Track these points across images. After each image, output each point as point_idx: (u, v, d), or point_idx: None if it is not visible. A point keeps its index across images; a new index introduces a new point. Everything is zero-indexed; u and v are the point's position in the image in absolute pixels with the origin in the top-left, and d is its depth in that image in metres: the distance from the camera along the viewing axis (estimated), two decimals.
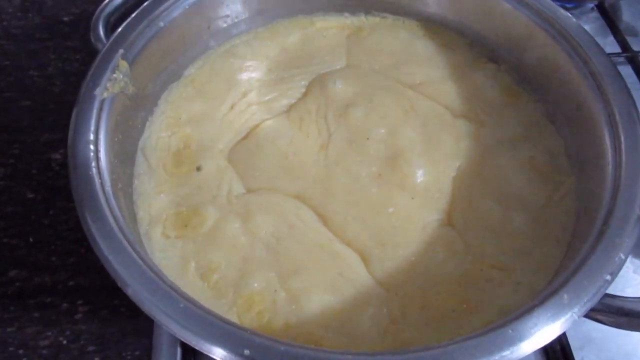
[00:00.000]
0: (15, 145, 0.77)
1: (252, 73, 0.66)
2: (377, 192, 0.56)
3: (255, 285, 0.51)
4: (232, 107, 0.63)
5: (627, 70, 0.81)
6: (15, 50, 0.88)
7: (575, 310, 0.40)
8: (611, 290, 0.64)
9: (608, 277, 0.41)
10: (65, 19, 0.92)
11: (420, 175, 0.58)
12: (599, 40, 0.86)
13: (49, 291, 0.65)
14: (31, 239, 0.69)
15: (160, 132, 0.60)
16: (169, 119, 0.62)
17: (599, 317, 0.43)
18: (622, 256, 0.42)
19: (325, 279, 0.52)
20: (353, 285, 0.52)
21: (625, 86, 0.52)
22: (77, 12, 0.93)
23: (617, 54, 0.82)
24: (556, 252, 0.51)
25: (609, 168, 0.48)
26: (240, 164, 0.59)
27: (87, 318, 0.64)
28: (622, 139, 0.48)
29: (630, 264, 0.66)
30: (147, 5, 0.57)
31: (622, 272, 0.64)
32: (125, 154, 0.55)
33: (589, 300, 0.40)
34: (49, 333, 0.63)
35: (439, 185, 0.57)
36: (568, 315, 0.40)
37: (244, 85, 0.65)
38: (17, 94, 0.82)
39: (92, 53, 0.57)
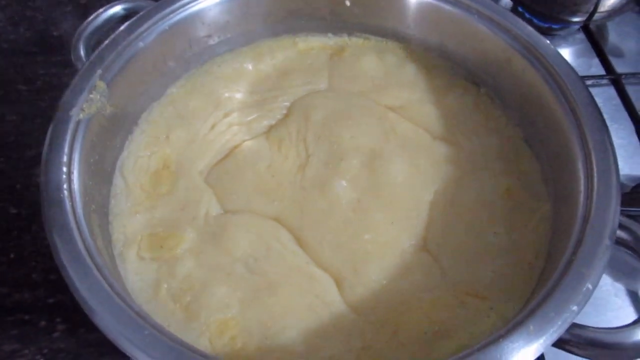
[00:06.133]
0: (0, 159, 0.77)
1: (234, 93, 0.66)
2: (355, 217, 0.56)
3: (229, 307, 0.51)
4: (212, 127, 0.63)
5: (610, 93, 0.81)
6: (3, 64, 0.88)
7: (542, 341, 0.40)
8: (591, 314, 0.64)
9: (575, 308, 0.41)
10: (55, 33, 0.93)
11: (400, 199, 0.58)
12: (584, 61, 0.88)
13: (28, 308, 0.65)
14: (12, 255, 0.69)
15: (140, 152, 0.60)
16: (149, 138, 0.61)
17: (569, 347, 0.43)
18: (590, 286, 0.42)
19: (301, 301, 0.52)
20: (328, 309, 0.52)
21: (600, 115, 0.52)
22: (66, 27, 0.93)
23: (601, 76, 0.83)
24: (529, 279, 0.51)
25: (581, 197, 0.48)
26: (219, 186, 0.59)
27: (65, 336, 0.63)
28: (595, 168, 0.48)
29: (611, 287, 0.66)
30: (127, 26, 0.57)
31: (602, 296, 0.65)
32: (102, 174, 0.55)
33: (555, 331, 0.40)
34: (26, 351, 0.62)
35: (417, 210, 0.57)
36: (534, 347, 0.40)
37: (226, 105, 0.65)
38: (4, 108, 0.82)
39: None
